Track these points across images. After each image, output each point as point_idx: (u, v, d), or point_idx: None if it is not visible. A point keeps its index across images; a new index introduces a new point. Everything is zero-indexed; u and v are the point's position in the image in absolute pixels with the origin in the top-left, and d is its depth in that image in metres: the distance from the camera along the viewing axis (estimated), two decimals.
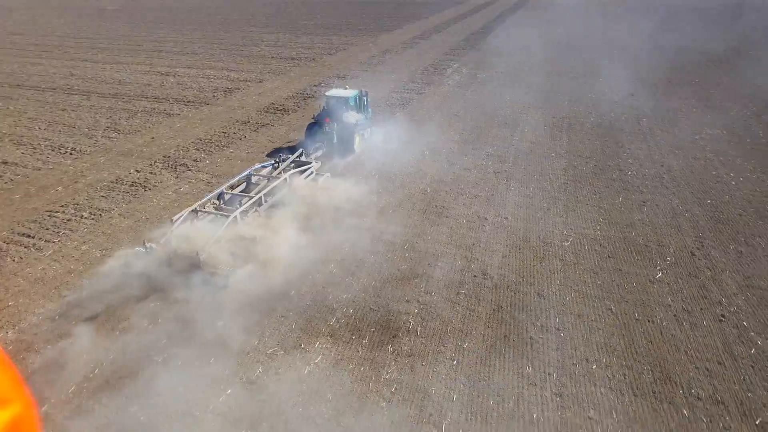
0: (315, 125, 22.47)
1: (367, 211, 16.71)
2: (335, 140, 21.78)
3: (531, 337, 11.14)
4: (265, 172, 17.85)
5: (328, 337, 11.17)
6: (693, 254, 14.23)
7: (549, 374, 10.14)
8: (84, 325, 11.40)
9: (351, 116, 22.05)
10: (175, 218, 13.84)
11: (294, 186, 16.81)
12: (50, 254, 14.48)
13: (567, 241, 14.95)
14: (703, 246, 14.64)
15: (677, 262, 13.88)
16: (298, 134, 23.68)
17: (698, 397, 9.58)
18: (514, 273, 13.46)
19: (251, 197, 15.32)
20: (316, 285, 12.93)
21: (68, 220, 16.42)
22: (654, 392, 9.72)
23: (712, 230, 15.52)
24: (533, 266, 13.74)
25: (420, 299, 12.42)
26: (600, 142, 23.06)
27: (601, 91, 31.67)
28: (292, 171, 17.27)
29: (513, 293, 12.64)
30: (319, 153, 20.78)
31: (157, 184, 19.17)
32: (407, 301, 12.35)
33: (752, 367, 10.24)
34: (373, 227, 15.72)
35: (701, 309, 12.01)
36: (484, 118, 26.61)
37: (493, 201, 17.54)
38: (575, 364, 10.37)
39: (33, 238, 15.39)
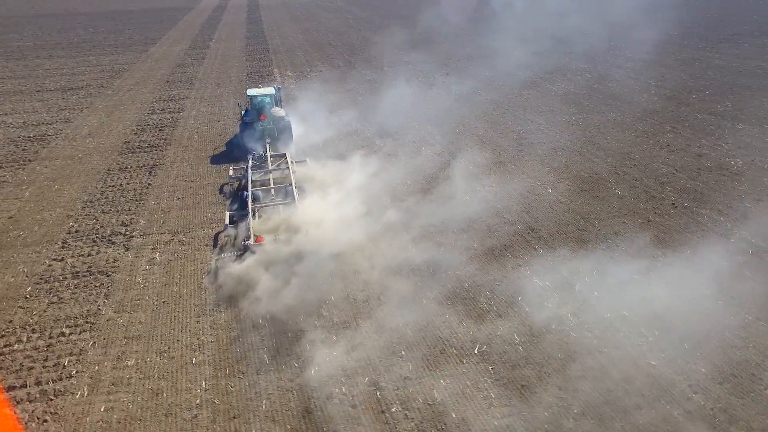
0: (248, 126, 24.57)
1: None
2: (276, 134, 24.30)
3: None
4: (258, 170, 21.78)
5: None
6: None
7: None
8: None
9: (278, 110, 24.76)
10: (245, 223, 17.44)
11: (297, 172, 21.33)
12: None
13: None
14: None
15: None
16: (224, 159, 24.76)
17: None
18: None
19: (289, 186, 19.79)
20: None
21: None
22: None
23: None
24: None
25: None
26: None
27: None
28: (289, 162, 21.81)
29: None
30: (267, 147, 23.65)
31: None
32: None
33: None
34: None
35: None
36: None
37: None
38: None
39: None
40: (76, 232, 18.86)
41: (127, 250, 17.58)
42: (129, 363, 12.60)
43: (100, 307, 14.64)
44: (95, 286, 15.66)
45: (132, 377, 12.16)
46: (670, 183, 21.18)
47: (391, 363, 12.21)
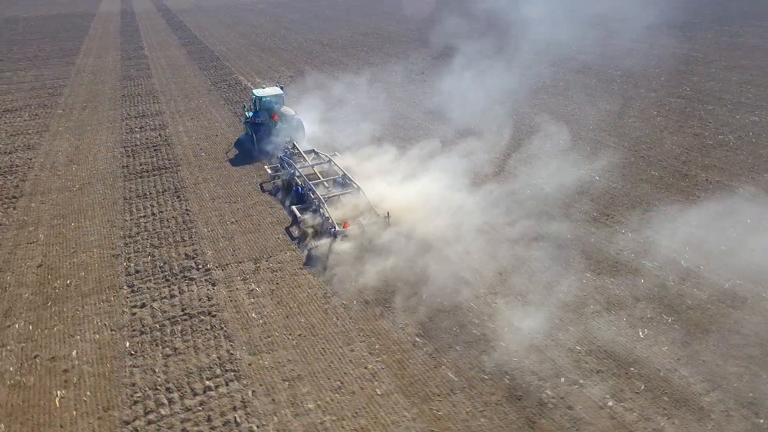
0: (261, 126, 24.96)
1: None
2: (290, 132, 24.74)
3: None
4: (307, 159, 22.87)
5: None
6: None
7: None
8: None
9: (287, 109, 25.67)
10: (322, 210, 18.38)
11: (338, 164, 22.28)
12: None
13: None
14: None
15: None
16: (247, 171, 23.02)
17: None
18: None
19: (339, 177, 21.04)
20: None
21: None
22: None
23: None
24: None
25: None
26: None
27: None
28: (324, 156, 22.96)
29: None
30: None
31: None
32: None
33: None
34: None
35: None
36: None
37: None
38: None
39: None
40: (137, 272, 16.62)
41: (214, 285, 15.86)
42: (309, 407, 11.52)
43: (230, 352, 13.13)
44: (206, 329, 13.99)
45: (324, 421, 11.14)
46: (691, 161, 23.42)
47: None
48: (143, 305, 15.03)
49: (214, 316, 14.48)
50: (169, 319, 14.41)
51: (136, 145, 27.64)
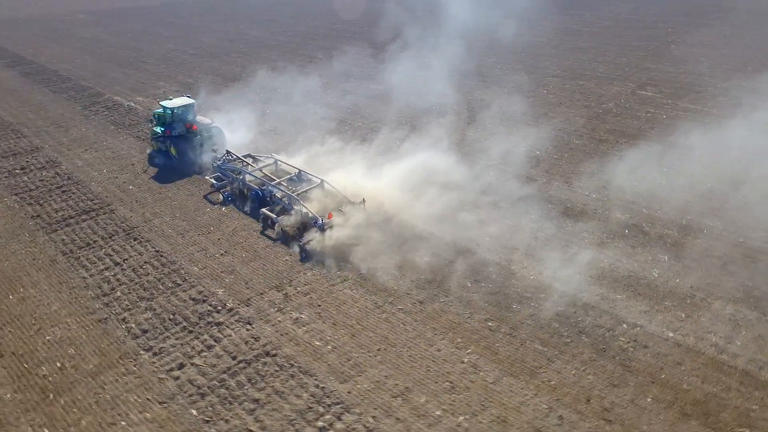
0: (179, 139, 23.57)
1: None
2: (210, 141, 23.89)
3: None
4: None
5: None
6: None
7: None
8: None
9: (202, 118, 24.78)
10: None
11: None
12: None
13: None
14: None
15: None
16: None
17: None
18: None
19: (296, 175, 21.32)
20: None
21: None
22: None
23: None
24: None
25: None
26: None
27: None
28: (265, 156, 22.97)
29: None
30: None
31: None
32: None
33: None
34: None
35: None
36: None
37: None
38: None
39: None
40: (145, 332, 14.22)
41: (251, 323, 14.38)
42: (436, 414, 11.51)
43: (320, 386, 12.26)
44: (276, 371, 12.79)
45: (459, 423, 11.30)
46: (597, 128, 27.69)
47: None
48: (182, 366, 13.03)
49: (275, 355, 13.24)
50: (225, 372, 12.77)
51: (31, 190, 22.81)
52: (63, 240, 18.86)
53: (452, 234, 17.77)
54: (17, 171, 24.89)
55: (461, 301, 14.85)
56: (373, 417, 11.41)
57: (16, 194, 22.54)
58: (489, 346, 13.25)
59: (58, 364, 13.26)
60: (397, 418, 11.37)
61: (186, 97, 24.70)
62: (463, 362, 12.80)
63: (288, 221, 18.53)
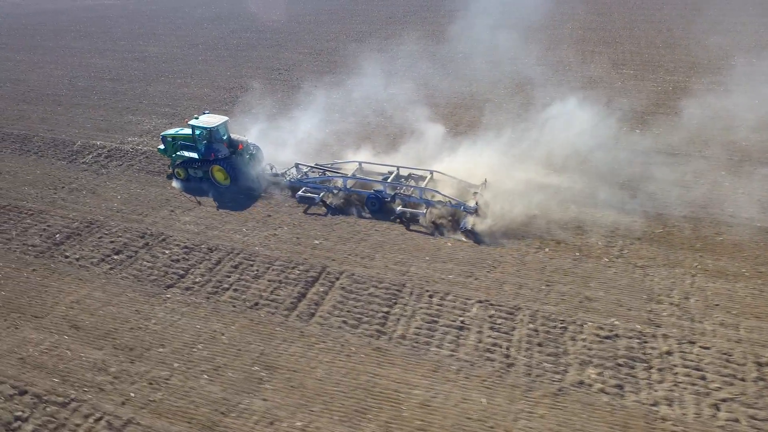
0: (230, 161, 22.36)
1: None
2: (257, 158, 23.37)
3: None
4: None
5: None
6: None
7: None
8: None
9: (238, 136, 23.83)
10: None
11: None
12: None
13: None
14: None
15: None
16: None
17: None
18: None
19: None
20: None
21: None
22: None
23: None
24: None
25: None
26: None
27: None
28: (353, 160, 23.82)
29: None
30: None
31: None
32: None
33: None
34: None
35: None
36: None
37: None
38: None
39: None
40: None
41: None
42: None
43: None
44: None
45: None
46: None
47: None
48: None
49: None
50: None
51: (204, 282, 18.36)
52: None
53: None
54: (122, 257, 19.30)
55: None
56: None
57: (169, 286, 17.68)
58: None
59: None
60: None
61: (219, 116, 23.28)
62: None
63: (434, 213, 20.07)
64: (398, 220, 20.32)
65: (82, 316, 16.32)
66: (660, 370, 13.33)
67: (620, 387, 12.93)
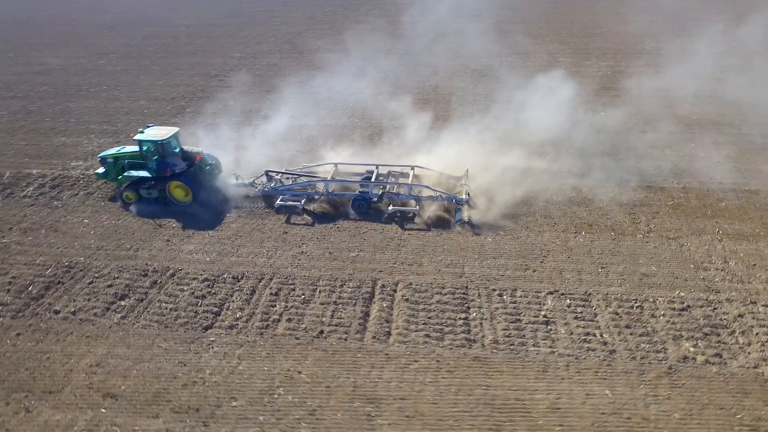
0: (190, 175, 20.39)
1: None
2: (216, 168, 21.27)
3: None
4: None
5: None
6: None
7: None
8: None
9: (192, 147, 21.48)
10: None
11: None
12: None
13: None
14: None
15: None
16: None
17: None
18: None
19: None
20: None
21: None
22: None
23: None
24: None
25: None
26: None
27: None
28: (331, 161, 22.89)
29: None
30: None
31: None
32: None
33: None
34: None
35: None
36: None
37: None
38: None
39: None
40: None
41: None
42: None
43: None
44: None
45: None
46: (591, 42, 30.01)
47: None
48: None
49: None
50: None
51: (245, 317, 17.91)
52: None
53: None
54: (130, 302, 16.16)
55: None
56: None
57: (207, 327, 15.10)
58: None
59: None
60: None
61: (166, 127, 20.91)
62: None
63: (431, 209, 19.69)
64: (393, 220, 19.69)
65: (113, 380, 13.16)
66: (743, 332, 14.05)
67: (719, 356, 13.36)
